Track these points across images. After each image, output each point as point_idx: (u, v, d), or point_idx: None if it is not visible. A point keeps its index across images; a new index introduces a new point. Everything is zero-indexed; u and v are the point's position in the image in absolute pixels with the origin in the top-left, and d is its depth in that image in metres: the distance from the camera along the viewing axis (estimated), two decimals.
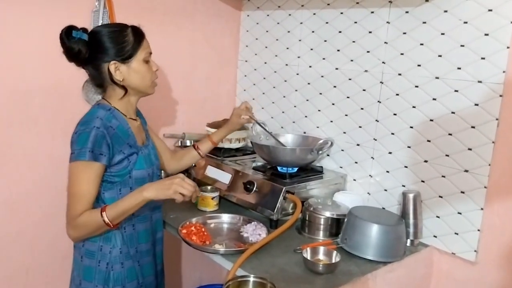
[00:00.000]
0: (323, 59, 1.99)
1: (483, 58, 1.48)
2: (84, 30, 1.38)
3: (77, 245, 1.45)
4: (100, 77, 1.41)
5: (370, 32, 1.80)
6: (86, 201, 1.32)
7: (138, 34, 1.41)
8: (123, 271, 1.42)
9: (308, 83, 2.07)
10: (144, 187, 1.33)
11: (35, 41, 1.74)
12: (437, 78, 1.60)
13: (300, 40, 2.09)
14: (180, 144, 2.24)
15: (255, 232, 1.62)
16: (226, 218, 1.76)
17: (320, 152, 1.85)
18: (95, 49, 1.37)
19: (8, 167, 1.76)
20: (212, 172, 1.97)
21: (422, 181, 1.67)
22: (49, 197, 1.86)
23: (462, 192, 1.56)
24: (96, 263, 1.41)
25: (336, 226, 1.65)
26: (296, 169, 1.86)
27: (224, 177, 1.92)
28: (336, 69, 1.94)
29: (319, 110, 2.04)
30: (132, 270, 1.45)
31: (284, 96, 2.20)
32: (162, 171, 1.76)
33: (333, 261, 1.43)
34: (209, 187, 1.88)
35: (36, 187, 1.83)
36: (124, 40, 1.38)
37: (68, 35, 1.34)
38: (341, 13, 1.90)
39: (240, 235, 1.65)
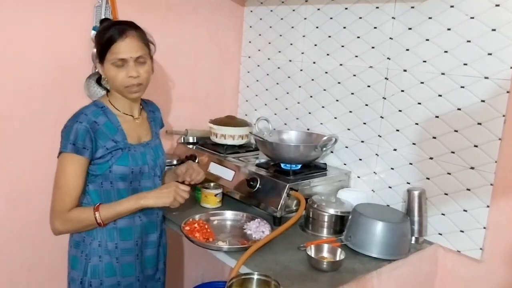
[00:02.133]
0: (327, 55, 1.97)
1: (490, 54, 1.46)
2: (96, 28, 1.49)
3: (70, 237, 1.50)
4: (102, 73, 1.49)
5: (375, 27, 1.78)
6: (74, 195, 1.38)
7: (110, 39, 1.38)
8: (101, 265, 1.44)
9: (312, 79, 2.06)
10: (142, 194, 1.43)
11: (38, 36, 1.73)
12: (443, 74, 1.58)
13: (304, 36, 2.08)
14: (183, 141, 2.23)
15: (259, 229, 1.61)
16: (229, 215, 1.75)
17: (324, 149, 1.83)
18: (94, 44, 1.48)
19: (10, 164, 1.75)
20: (215, 168, 1.96)
21: (427, 178, 1.65)
22: (51, 194, 1.85)
23: (468, 190, 1.54)
24: (80, 253, 1.45)
25: (340, 223, 1.64)
26: (299, 166, 1.85)
27: (227, 173, 1.90)
28: (341, 65, 1.92)
29: (323, 107, 2.02)
30: (110, 266, 1.45)
31: (287, 93, 2.19)
32: None
33: (338, 258, 1.42)
34: (212, 184, 1.88)
35: (38, 184, 1.82)
36: (100, 41, 1.42)
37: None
38: (346, 8, 1.88)
39: (243, 232, 1.64)
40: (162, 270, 1.63)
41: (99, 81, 1.51)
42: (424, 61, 1.63)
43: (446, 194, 1.60)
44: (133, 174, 1.45)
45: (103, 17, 1.83)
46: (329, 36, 1.96)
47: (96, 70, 1.84)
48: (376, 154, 1.82)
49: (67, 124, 1.40)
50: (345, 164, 1.95)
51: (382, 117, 1.78)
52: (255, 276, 1.27)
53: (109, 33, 1.38)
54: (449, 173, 1.59)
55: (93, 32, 1.45)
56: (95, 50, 1.81)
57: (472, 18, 1.49)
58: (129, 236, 1.47)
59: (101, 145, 1.40)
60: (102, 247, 1.43)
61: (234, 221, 1.73)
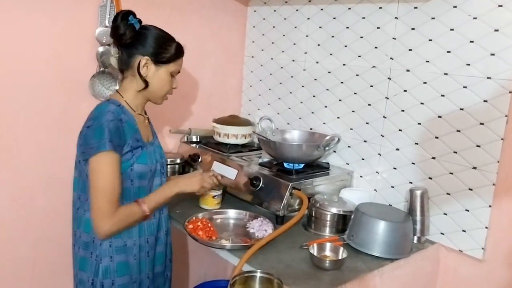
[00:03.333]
0: (331, 54, 1.98)
1: (492, 54, 1.46)
2: (140, 21, 1.47)
3: (75, 237, 1.49)
4: (128, 65, 1.47)
5: (378, 27, 1.79)
6: (117, 195, 1.38)
7: (180, 51, 1.51)
8: (112, 265, 1.43)
9: (315, 79, 2.06)
10: (173, 182, 1.54)
11: (43, 36, 1.74)
12: (445, 74, 1.59)
13: (307, 36, 2.08)
14: (186, 140, 2.24)
15: (261, 228, 1.62)
16: (232, 213, 1.76)
17: (327, 148, 1.84)
18: (139, 39, 1.45)
19: (15, 162, 1.76)
20: (218, 167, 1.97)
21: (430, 178, 1.66)
22: (55, 192, 1.87)
23: (470, 189, 1.55)
24: (89, 254, 1.44)
25: (343, 222, 1.65)
26: (302, 165, 1.86)
27: (230, 172, 1.91)
28: (344, 65, 1.93)
29: (325, 106, 2.03)
30: (122, 264, 1.45)
31: (290, 92, 2.20)
32: None
33: (340, 257, 1.43)
34: None
35: (43, 182, 1.84)
36: (166, 47, 1.47)
37: (124, 17, 1.43)
38: (349, 8, 1.89)
39: (246, 230, 1.65)
40: (169, 267, 1.65)
41: (121, 70, 1.50)
42: (427, 61, 1.64)
43: (448, 193, 1.61)
44: (151, 172, 1.48)
45: (108, 16, 1.85)
46: (332, 36, 1.97)
47: (102, 69, 1.86)
48: (379, 154, 1.82)
49: (94, 123, 1.37)
50: (347, 164, 1.95)
51: (385, 117, 1.79)
52: (258, 274, 1.28)
53: (175, 45, 1.49)
54: (451, 173, 1.59)
55: (131, 22, 1.41)
56: (101, 49, 1.85)
57: (475, 18, 1.50)
58: (140, 233, 1.48)
59: (127, 142, 1.41)
60: (113, 247, 1.43)
61: (237, 219, 1.74)
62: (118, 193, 1.38)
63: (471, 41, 1.51)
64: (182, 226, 1.62)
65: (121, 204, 1.40)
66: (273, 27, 2.24)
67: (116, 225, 1.37)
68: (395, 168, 1.77)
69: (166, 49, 1.47)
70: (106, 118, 1.36)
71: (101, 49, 1.86)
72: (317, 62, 2.05)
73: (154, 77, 1.47)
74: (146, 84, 1.47)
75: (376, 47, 1.80)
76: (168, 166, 2.00)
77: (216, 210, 1.78)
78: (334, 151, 2.00)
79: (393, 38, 1.74)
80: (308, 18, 2.07)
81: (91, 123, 1.38)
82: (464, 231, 1.57)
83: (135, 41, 1.44)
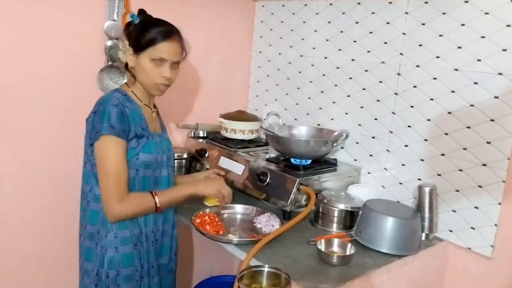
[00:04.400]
0: (339, 50, 1.97)
1: (504, 50, 1.45)
2: (144, 15, 1.49)
3: (81, 228, 1.50)
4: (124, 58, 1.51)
5: (387, 23, 1.77)
6: (126, 178, 1.40)
7: (159, 36, 1.43)
8: (117, 256, 1.44)
9: (323, 75, 2.05)
10: (193, 182, 1.61)
11: (51, 30, 1.74)
12: (456, 70, 1.57)
13: (315, 31, 2.07)
14: (193, 135, 2.24)
15: (269, 223, 1.61)
16: (239, 208, 1.76)
17: (335, 144, 1.83)
18: (131, 32, 1.47)
19: (22, 155, 1.77)
20: (225, 163, 1.97)
21: (439, 175, 1.64)
22: (62, 186, 1.87)
23: (480, 186, 1.53)
24: (94, 245, 1.45)
25: (350, 219, 1.64)
26: (309, 161, 1.85)
27: (237, 168, 1.91)
28: (352, 60, 1.92)
29: (334, 102, 2.02)
30: (128, 256, 1.46)
31: (298, 88, 2.18)
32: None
33: (348, 253, 1.42)
34: None
35: (49, 176, 1.84)
36: (144, 34, 1.44)
37: (132, 13, 1.48)
38: (358, 3, 1.87)
39: (253, 225, 1.64)
40: (174, 260, 1.65)
41: (126, 67, 1.52)
42: (437, 57, 1.62)
43: (458, 190, 1.59)
44: (156, 162, 1.49)
45: (116, 11, 1.85)
46: (341, 31, 1.95)
47: (110, 63, 1.86)
48: (387, 150, 1.81)
49: (99, 108, 1.39)
50: (355, 160, 1.94)
51: (394, 113, 1.78)
52: (266, 269, 1.27)
53: (156, 29, 1.43)
54: (460, 170, 1.58)
55: (132, 19, 1.46)
56: (109, 42, 1.85)
57: (486, 13, 1.48)
58: (146, 223, 1.49)
59: (131, 129, 1.42)
60: (118, 238, 1.44)
61: (244, 214, 1.74)
62: (126, 177, 1.39)
63: (482, 37, 1.49)
64: (189, 220, 1.62)
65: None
66: (281, 22, 2.23)
67: (126, 209, 1.39)
68: (403, 165, 1.76)
69: (143, 35, 1.43)
70: (111, 103, 1.39)
71: (109, 43, 1.86)
72: (325, 58, 2.03)
73: (137, 67, 1.47)
74: (133, 76, 1.49)
75: (385, 43, 1.79)
76: (175, 161, 1.99)
77: (223, 205, 1.77)
78: (342, 147, 1.99)
79: (403, 34, 1.72)
80: (317, 13, 2.05)
81: (96, 108, 1.41)
82: (473, 228, 1.56)
83: (128, 35, 1.47)
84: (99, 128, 1.36)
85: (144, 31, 1.43)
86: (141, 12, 1.49)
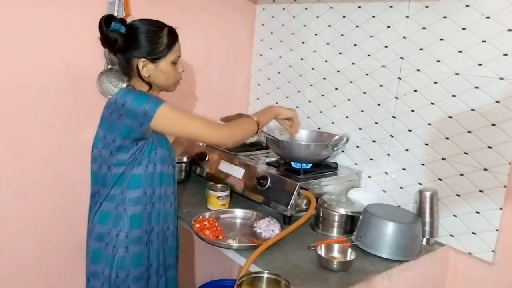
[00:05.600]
0: (340, 53, 1.96)
1: (505, 54, 1.44)
2: (122, 22, 1.42)
3: (89, 230, 1.49)
4: (129, 68, 1.46)
5: (388, 26, 1.77)
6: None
7: (172, 37, 1.46)
8: (128, 256, 1.43)
9: (324, 78, 2.05)
10: (271, 106, 1.72)
11: (51, 33, 1.74)
12: (457, 74, 1.57)
13: (316, 34, 2.07)
14: None
15: (269, 228, 1.60)
16: (239, 213, 1.75)
17: (336, 148, 1.82)
18: (130, 43, 1.42)
19: (23, 159, 1.76)
20: (225, 167, 1.96)
21: (439, 179, 1.63)
22: (62, 189, 1.87)
23: (481, 191, 1.52)
24: (104, 245, 1.44)
25: (351, 223, 1.63)
26: (310, 165, 1.84)
27: (237, 172, 1.90)
28: (353, 64, 1.91)
29: (334, 106, 2.01)
30: (138, 256, 1.45)
31: (299, 91, 2.18)
32: None
33: (348, 258, 1.41)
34: (219, 186, 1.83)
35: (50, 179, 1.84)
36: (158, 41, 1.43)
37: (107, 23, 1.39)
38: (359, 7, 1.87)
39: (253, 230, 1.64)
40: (178, 260, 1.64)
41: (126, 73, 1.49)
42: (438, 61, 1.61)
43: (458, 195, 1.58)
44: (169, 157, 1.51)
45: (116, 14, 1.84)
46: (342, 35, 1.95)
47: (110, 67, 1.86)
48: (388, 154, 1.80)
49: (128, 95, 1.37)
50: (356, 164, 1.94)
51: (394, 117, 1.77)
52: (265, 275, 1.27)
53: (164, 31, 1.44)
54: (461, 174, 1.57)
55: (122, 29, 1.39)
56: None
57: (487, 18, 1.47)
58: (156, 221, 1.49)
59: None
60: (129, 238, 1.43)
61: (244, 219, 1.73)
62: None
63: (483, 41, 1.49)
64: (189, 225, 1.62)
65: (128, 191, 1.43)
66: (282, 25, 2.22)
67: (232, 129, 1.50)
68: (404, 169, 1.75)
69: (158, 43, 1.43)
70: (133, 89, 1.42)
71: None
72: (326, 61, 2.03)
73: (156, 73, 1.46)
74: (150, 86, 1.48)
75: (386, 46, 1.78)
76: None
77: (223, 209, 1.77)
78: (343, 151, 1.98)
79: (404, 37, 1.72)
80: (318, 17, 2.05)
81: (124, 98, 1.37)
82: (474, 233, 1.55)
83: (127, 45, 1.41)
84: (149, 106, 1.35)
85: (156, 38, 1.43)
86: (113, 18, 1.41)
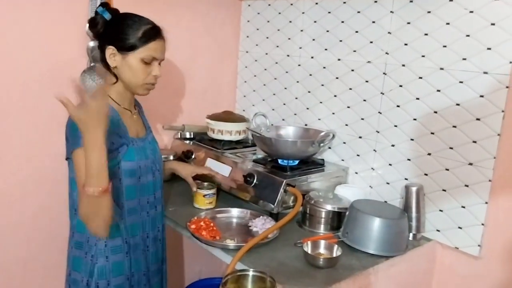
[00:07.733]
0: (325, 49, 1.95)
1: (489, 49, 1.44)
2: (112, 10, 1.43)
3: (69, 237, 1.45)
4: (102, 57, 1.43)
5: (373, 22, 1.76)
6: None
7: (151, 35, 1.39)
8: (108, 265, 1.39)
9: (310, 75, 2.04)
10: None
11: (32, 30, 1.71)
12: (441, 69, 1.57)
13: (302, 31, 2.06)
14: (179, 136, 2.21)
15: (265, 226, 1.59)
16: (234, 212, 1.74)
17: (322, 144, 1.82)
18: (107, 29, 1.40)
19: (5, 159, 1.73)
20: (212, 164, 1.95)
21: (425, 174, 1.64)
22: (46, 190, 1.84)
23: (466, 186, 1.53)
24: (84, 254, 1.40)
25: (337, 219, 1.63)
26: (297, 161, 1.83)
27: (224, 169, 1.89)
28: (339, 60, 1.90)
29: (320, 102, 2.00)
30: (118, 264, 1.41)
31: (285, 88, 2.17)
32: None
33: (334, 255, 1.41)
34: (205, 184, 1.81)
35: (33, 180, 1.81)
36: (131, 32, 1.37)
37: (99, 8, 1.42)
38: (344, 2, 1.86)
39: (249, 229, 1.62)
40: (165, 264, 1.62)
41: (108, 65, 1.43)
42: (423, 56, 1.61)
43: (444, 190, 1.59)
44: (140, 169, 1.43)
45: None
46: (327, 31, 1.94)
47: (92, 64, 1.83)
48: (374, 150, 1.80)
49: (69, 118, 1.31)
50: (342, 160, 1.93)
51: (380, 113, 1.77)
52: (251, 273, 1.26)
53: (145, 27, 1.38)
54: (447, 169, 1.57)
55: (101, 14, 1.40)
56: (91, 43, 1.81)
57: (471, 12, 1.47)
58: (131, 233, 1.44)
59: (109, 141, 1.31)
60: (108, 247, 1.39)
61: (239, 218, 1.72)
62: None
63: (467, 35, 1.49)
64: (177, 224, 1.60)
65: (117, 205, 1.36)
66: (268, 21, 2.21)
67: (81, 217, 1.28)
68: (390, 165, 1.75)
69: (131, 34, 1.37)
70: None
71: (91, 43, 1.82)
72: (312, 57, 2.02)
73: (122, 66, 1.39)
74: (116, 77, 1.42)
75: (371, 42, 1.78)
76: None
77: (218, 209, 1.75)
78: (329, 147, 1.98)
79: (389, 33, 1.71)
80: (303, 12, 2.04)
81: (69, 119, 1.32)
82: (460, 228, 1.56)
83: (104, 32, 1.40)
84: (71, 140, 1.29)
85: (131, 29, 1.37)
86: (105, 5, 1.41)
